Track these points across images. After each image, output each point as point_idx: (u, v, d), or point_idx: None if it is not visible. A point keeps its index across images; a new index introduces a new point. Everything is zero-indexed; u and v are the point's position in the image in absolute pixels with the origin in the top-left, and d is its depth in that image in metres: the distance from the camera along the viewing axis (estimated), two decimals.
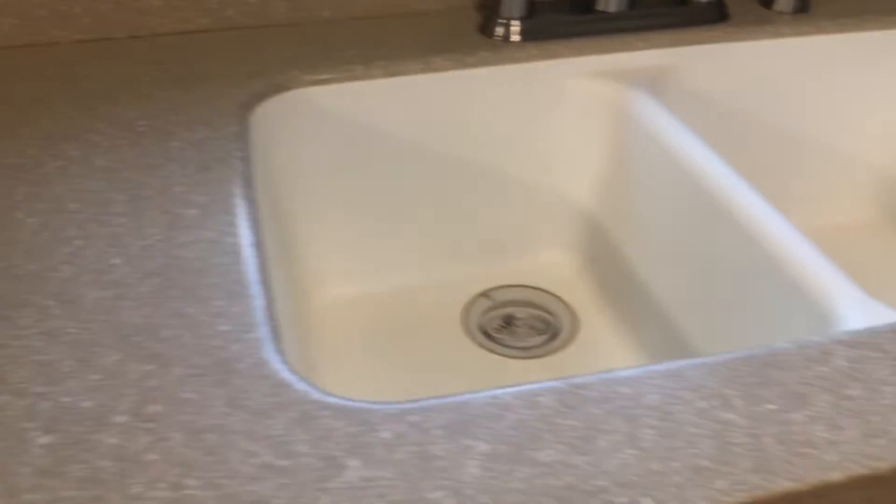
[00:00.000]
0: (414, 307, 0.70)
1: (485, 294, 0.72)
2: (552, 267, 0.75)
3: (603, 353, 0.66)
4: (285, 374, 0.38)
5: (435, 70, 0.65)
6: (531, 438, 0.35)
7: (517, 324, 0.70)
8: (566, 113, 0.69)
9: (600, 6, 0.69)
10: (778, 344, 0.40)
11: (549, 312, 0.71)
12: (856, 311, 0.44)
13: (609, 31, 0.69)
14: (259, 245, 0.46)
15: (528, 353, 0.67)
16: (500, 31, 0.68)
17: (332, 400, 0.36)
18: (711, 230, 0.56)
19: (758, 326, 0.52)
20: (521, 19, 0.68)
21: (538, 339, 0.68)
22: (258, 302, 0.42)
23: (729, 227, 0.54)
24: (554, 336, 0.69)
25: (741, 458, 0.34)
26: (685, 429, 0.35)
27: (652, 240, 0.64)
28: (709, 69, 0.70)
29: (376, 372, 0.65)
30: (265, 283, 0.43)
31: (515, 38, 0.68)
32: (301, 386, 0.37)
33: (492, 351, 0.67)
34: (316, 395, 0.36)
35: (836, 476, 0.34)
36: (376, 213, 0.69)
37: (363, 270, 0.71)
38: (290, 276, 0.62)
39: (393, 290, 0.71)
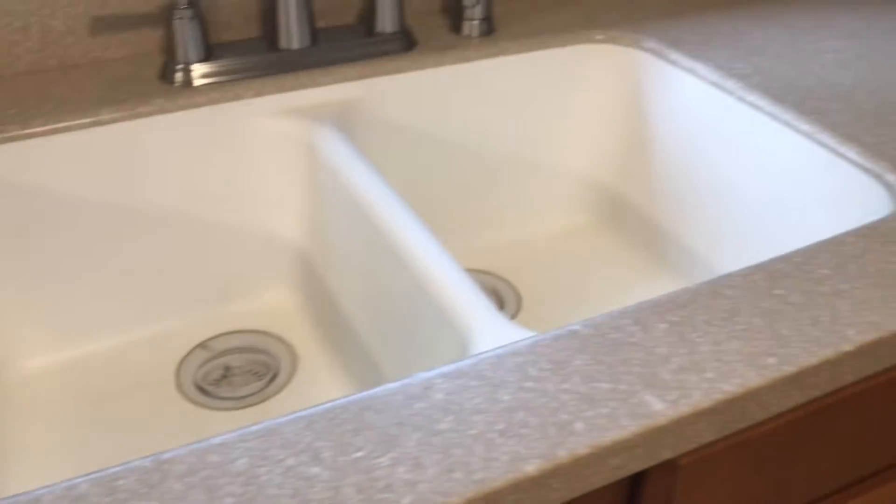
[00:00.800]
0: (122, 368, 0.67)
1: (202, 345, 0.70)
2: (273, 308, 0.73)
3: (318, 390, 0.66)
4: None
5: (104, 123, 0.62)
6: None
7: (235, 372, 0.68)
8: (256, 154, 0.68)
9: (283, 44, 0.69)
10: (383, 385, 0.40)
11: (269, 355, 0.69)
12: (486, 335, 0.46)
13: (294, 68, 0.68)
14: None
15: (243, 402, 0.66)
16: (179, 76, 0.66)
17: None
18: (383, 263, 0.57)
19: (424, 355, 0.53)
20: (201, 62, 0.67)
21: (256, 386, 0.67)
22: None
23: (393, 260, 0.55)
24: (273, 379, 0.67)
25: None
26: (267, 491, 0.35)
27: (348, 274, 0.65)
28: (397, 99, 0.71)
29: (79, 446, 0.61)
30: None
31: (198, 81, 0.66)
32: None
33: (205, 406, 0.65)
34: None
35: None
36: (67, 275, 0.65)
37: (61, 337, 0.67)
38: None
39: (98, 354, 0.68)
